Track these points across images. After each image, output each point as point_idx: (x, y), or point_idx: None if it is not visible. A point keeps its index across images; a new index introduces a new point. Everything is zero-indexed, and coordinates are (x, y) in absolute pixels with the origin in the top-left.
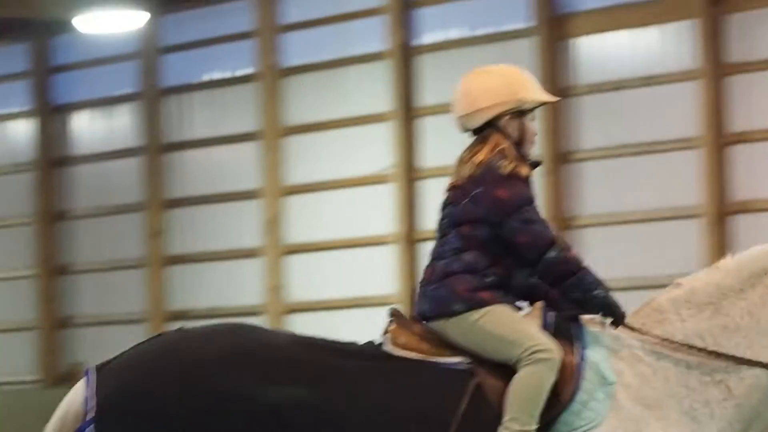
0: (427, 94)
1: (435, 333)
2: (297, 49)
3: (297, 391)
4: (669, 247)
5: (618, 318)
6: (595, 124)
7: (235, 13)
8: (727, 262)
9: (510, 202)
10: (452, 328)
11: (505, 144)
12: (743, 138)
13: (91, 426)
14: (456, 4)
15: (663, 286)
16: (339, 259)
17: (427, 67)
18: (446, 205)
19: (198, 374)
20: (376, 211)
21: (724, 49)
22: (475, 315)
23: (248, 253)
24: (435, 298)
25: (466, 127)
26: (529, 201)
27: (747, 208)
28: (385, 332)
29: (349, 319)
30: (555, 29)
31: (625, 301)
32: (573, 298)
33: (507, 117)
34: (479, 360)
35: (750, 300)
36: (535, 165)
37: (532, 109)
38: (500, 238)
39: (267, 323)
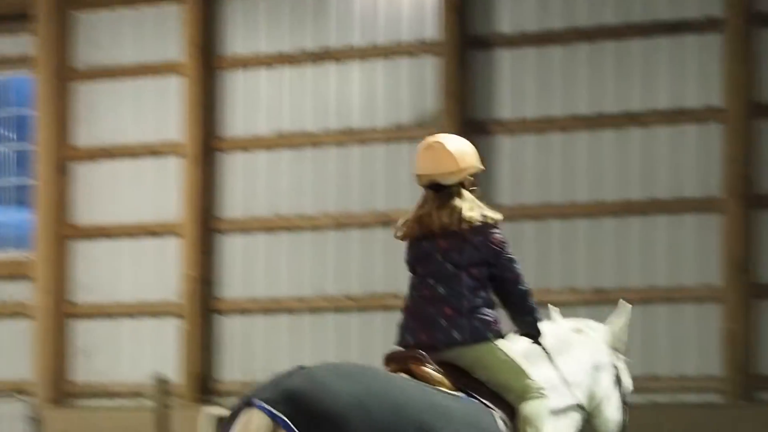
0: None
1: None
2: None
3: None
4: None
5: (538, 334)
6: None
7: None
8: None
9: (502, 245)
10: (477, 353)
11: (473, 198)
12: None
13: None
14: None
15: None
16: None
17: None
18: (439, 249)
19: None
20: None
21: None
22: (497, 343)
23: None
24: (470, 328)
25: (440, 183)
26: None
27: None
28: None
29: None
30: None
31: None
32: (522, 321)
33: (470, 177)
34: (478, 393)
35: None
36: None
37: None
38: (492, 276)
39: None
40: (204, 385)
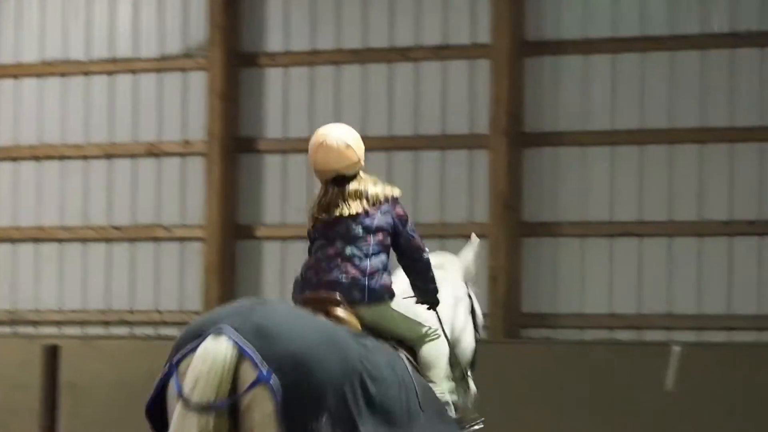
0: None
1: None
2: None
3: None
4: None
5: (436, 303)
6: None
7: None
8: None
9: (405, 216)
10: (376, 313)
11: (370, 177)
12: None
13: (272, 376)
14: None
15: None
16: None
17: None
18: (355, 217)
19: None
20: None
21: None
22: (392, 303)
23: None
24: (370, 289)
25: (343, 174)
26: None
27: None
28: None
29: None
30: None
31: None
32: (424, 289)
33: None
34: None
35: None
36: None
37: None
38: (396, 244)
39: None
40: None
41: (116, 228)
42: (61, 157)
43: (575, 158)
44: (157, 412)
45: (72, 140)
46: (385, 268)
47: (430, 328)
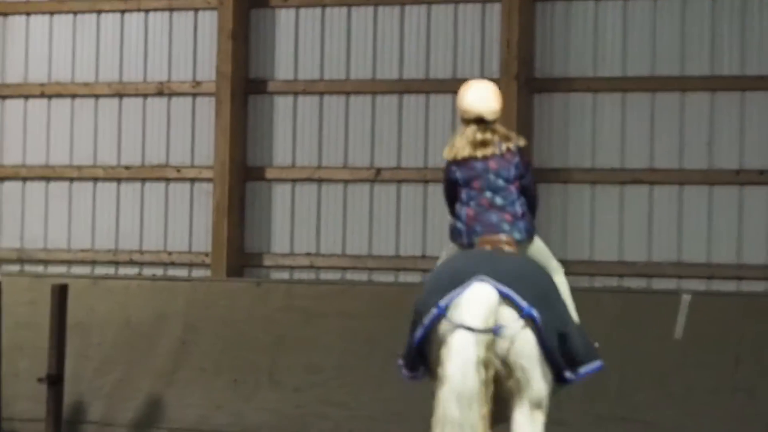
0: None
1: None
2: None
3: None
4: None
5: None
6: None
7: None
8: None
9: (529, 164)
10: (531, 248)
11: (504, 128)
12: None
13: (532, 310)
14: None
15: None
16: None
17: None
18: (490, 169)
19: None
20: None
21: None
22: (536, 239)
23: None
24: (525, 229)
25: (487, 119)
26: None
27: None
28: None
29: None
30: None
31: None
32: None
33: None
34: None
35: None
36: None
37: None
38: (522, 188)
39: None
40: None
41: (126, 167)
42: (71, 96)
43: (586, 105)
44: (413, 352)
45: (82, 78)
46: (527, 209)
47: (558, 263)
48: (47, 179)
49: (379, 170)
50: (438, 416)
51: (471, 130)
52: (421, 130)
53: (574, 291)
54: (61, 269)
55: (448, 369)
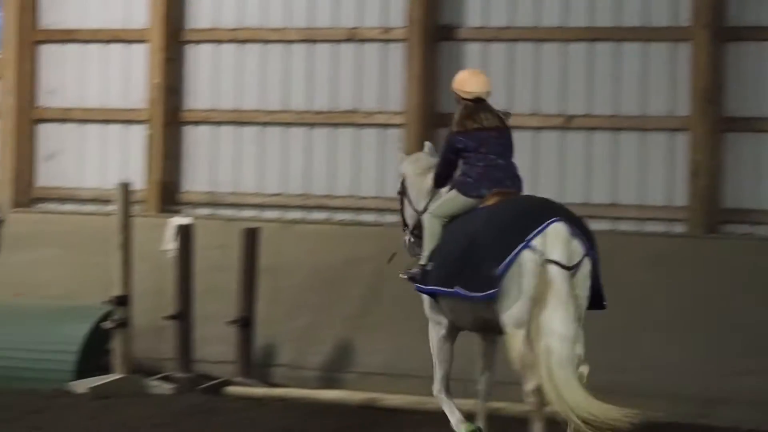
0: None
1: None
2: None
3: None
4: None
5: None
6: None
7: None
8: None
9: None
10: None
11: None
12: None
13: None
14: None
15: None
16: None
17: None
18: (492, 137)
19: None
20: None
21: None
22: None
23: None
24: (521, 184)
25: (482, 98)
26: None
27: None
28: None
29: None
30: None
31: None
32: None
33: None
34: None
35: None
36: None
37: None
38: None
39: None
40: (168, 194)
41: (317, 113)
42: (263, 41)
43: None
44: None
45: (272, 24)
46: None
47: None
48: (239, 123)
49: (570, 117)
50: (540, 346)
51: (474, 108)
52: (612, 78)
53: (766, 240)
54: (252, 213)
55: (549, 303)
